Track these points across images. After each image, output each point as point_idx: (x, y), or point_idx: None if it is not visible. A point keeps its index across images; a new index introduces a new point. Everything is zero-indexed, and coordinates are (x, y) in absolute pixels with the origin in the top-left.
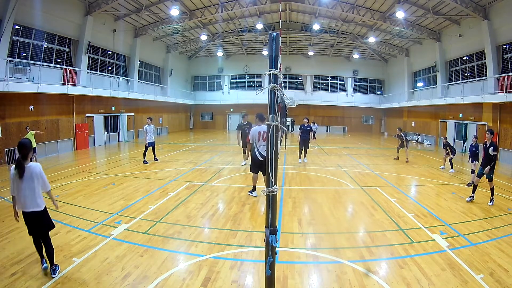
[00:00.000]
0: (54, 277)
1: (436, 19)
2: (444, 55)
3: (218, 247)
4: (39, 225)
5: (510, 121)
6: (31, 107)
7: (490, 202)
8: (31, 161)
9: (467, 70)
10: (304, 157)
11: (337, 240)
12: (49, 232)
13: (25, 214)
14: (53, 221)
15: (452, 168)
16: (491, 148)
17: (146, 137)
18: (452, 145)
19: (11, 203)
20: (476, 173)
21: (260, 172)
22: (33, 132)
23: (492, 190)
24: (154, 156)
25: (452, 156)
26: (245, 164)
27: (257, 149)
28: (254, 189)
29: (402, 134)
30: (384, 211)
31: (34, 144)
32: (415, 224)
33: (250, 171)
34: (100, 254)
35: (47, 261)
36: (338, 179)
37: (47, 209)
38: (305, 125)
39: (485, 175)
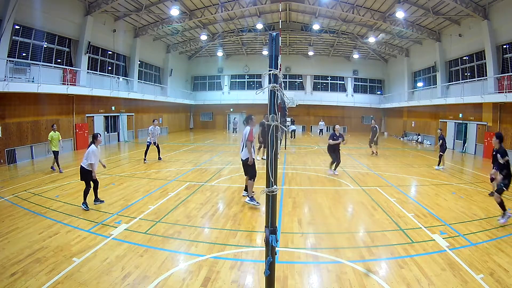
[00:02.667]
0: (95, 204)
1: (436, 19)
2: (444, 55)
3: (218, 247)
4: (82, 175)
5: (510, 121)
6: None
7: (502, 218)
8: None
9: (467, 70)
10: (335, 169)
11: (337, 240)
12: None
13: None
14: (95, 178)
15: (439, 165)
16: (498, 155)
17: (151, 138)
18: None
19: (11, 203)
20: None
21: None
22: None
23: (499, 204)
24: (159, 155)
25: (441, 153)
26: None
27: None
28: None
29: (377, 126)
30: (384, 211)
31: (57, 148)
32: (415, 224)
33: None
34: (100, 254)
35: (86, 202)
36: (338, 179)
37: (91, 171)
38: (337, 134)
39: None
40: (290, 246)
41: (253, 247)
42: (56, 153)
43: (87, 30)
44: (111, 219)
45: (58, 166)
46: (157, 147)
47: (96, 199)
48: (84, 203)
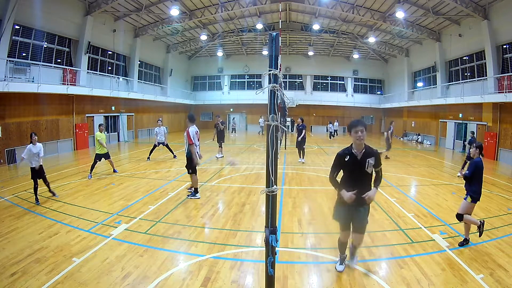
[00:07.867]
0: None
1: (436, 19)
2: (444, 55)
3: (218, 247)
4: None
5: (510, 121)
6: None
7: None
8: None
9: (467, 70)
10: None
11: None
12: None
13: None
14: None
15: None
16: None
17: (157, 138)
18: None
19: (11, 203)
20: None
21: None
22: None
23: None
24: (172, 153)
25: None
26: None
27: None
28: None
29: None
30: (384, 211)
31: (101, 151)
32: (415, 224)
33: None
34: (100, 254)
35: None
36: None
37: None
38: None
39: None
40: (290, 246)
41: (253, 247)
42: (97, 157)
43: (87, 30)
44: (111, 219)
45: (91, 170)
46: (167, 146)
47: (50, 191)
48: (36, 199)
